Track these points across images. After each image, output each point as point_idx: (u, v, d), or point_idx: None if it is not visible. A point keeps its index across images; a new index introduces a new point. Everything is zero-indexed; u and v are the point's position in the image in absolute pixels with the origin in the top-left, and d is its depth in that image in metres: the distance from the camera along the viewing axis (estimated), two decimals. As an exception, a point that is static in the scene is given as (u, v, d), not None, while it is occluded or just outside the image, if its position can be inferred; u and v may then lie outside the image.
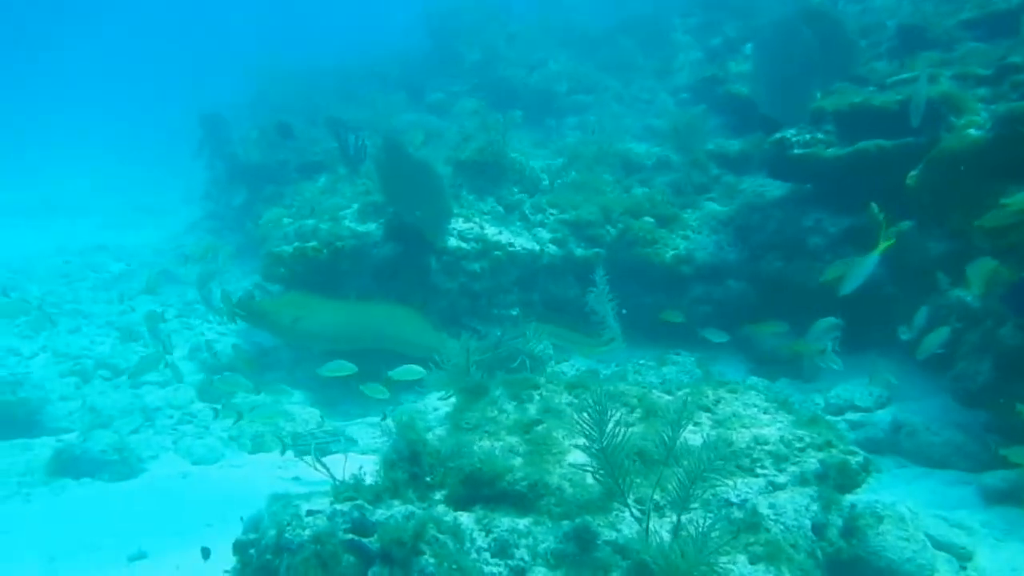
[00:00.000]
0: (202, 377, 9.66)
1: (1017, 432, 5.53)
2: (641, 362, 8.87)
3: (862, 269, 5.94)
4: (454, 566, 3.55)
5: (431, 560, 3.58)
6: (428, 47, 18.80)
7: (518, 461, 4.27)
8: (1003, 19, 9.11)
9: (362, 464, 4.43)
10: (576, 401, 4.93)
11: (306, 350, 9.74)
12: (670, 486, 3.81)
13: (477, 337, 6.20)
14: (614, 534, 3.79)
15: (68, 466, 7.64)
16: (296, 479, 7.28)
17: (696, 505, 3.85)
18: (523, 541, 3.77)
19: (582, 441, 3.88)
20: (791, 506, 4.06)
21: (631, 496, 3.86)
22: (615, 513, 3.91)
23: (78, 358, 9.97)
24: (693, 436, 4.55)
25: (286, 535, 3.89)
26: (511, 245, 9.46)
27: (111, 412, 8.82)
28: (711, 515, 3.84)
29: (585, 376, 7.72)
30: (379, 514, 3.92)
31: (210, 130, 18.18)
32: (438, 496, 4.15)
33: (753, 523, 3.93)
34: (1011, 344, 6.03)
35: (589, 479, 3.99)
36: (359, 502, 3.98)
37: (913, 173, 6.96)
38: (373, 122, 12.85)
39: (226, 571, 4.28)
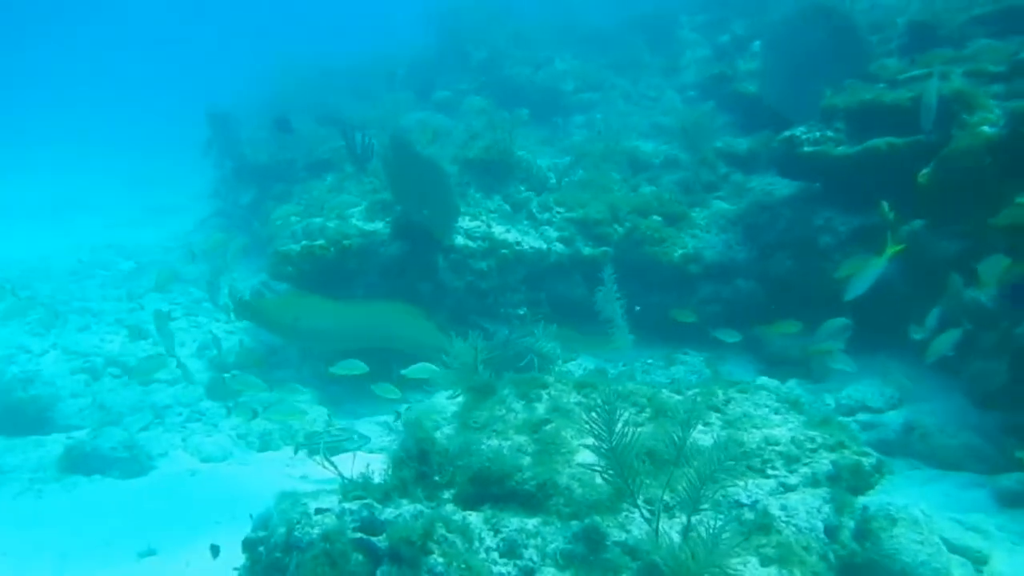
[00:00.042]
0: (211, 375, 9.68)
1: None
2: (649, 361, 8.85)
3: (869, 274, 5.90)
4: (463, 566, 3.54)
5: (440, 559, 3.56)
6: (435, 46, 18.77)
7: (527, 460, 4.25)
8: (1016, 15, 9.01)
9: (370, 462, 4.42)
10: (585, 401, 4.89)
11: (311, 349, 9.76)
12: (680, 487, 3.77)
13: (485, 336, 6.17)
14: (624, 535, 3.77)
15: (79, 463, 7.69)
16: (304, 477, 7.29)
17: (706, 506, 3.81)
18: (532, 541, 3.74)
19: (591, 441, 3.85)
20: (803, 508, 4.02)
21: (641, 496, 3.83)
22: (624, 514, 3.88)
23: (88, 356, 10.00)
24: (703, 436, 4.52)
25: (295, 533, 3.89)
26: (518, 244, 9.44)
27: (121, 409, 8.86)
28: (722, 516, 3.81)
29: (594, 375, 7.71)
30: (388, 513, 3.91)
31: (218, 129, 18.20)
32: (446, 495, 4.13)
33: (764, 525, 3.89)
34: (1029, 344, 5.98)
35: (598, 479, 3.97)
36: (368, 501, 3.97)
37: (925, 171, 6.90)
38: (380, 120, 12.83)
39: (235, 568, 4.28)
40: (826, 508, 4.06)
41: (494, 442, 4.47)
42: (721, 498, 4.03)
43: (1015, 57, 7.69)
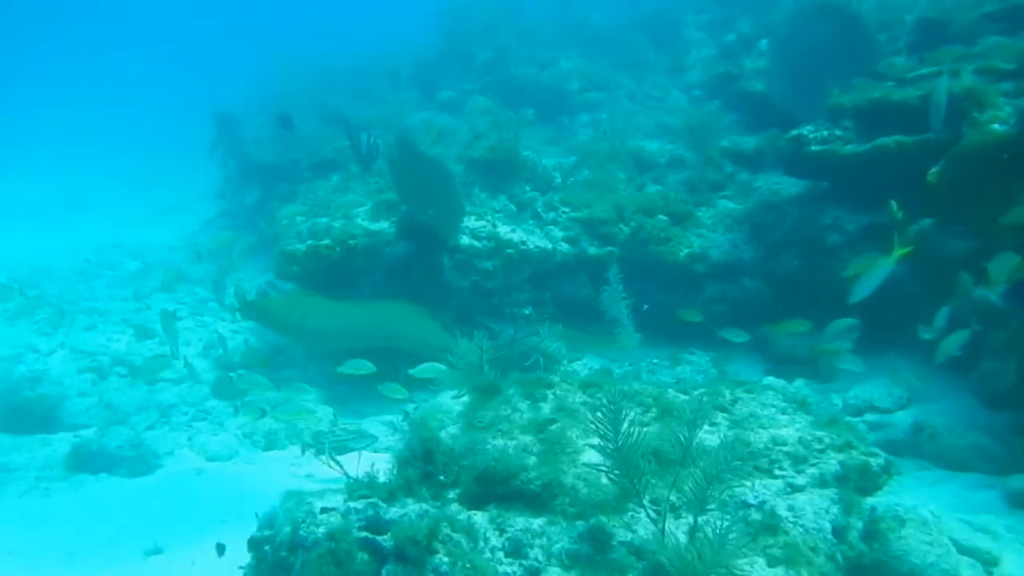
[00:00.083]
0: (217, 374, 9.70)
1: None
2: (655, 361, 8.83)
3: (875, 276, 5.87)
4: (468, 565, 3.52)
5: (445, 559, 3.55)
6: (440, 46, 18.76)
7: (532, 460, 4.23)
8: (1027, 12, 8.98)
9: (375, 462, 4.41)
10: (590, 400, 4.88)
11: (316, 349, 9.76)
12: (686, 487, 3.75)
13: (490, 335, 6.16)
14: (629, 535, 3.75)
15: (86, 461, 7.70)
16: (309, 476, 7.29)
17: (713, 506, 3.79)
18: (537, 541, 3.73)
19: (596, 441, 3.83)
20: (810, 508, 4.00)
21: (647, 496, 3.81)
22: (630, 514, 3.86)
23: (95, 355, 10.02)
24: (710, 436, 4.50)
25: (300, 532, 3.88)
26: (523, 243, 9.43)
27: (127, 408, 8.88)
28: (728, 517, 3.79)
29: (599, 375, 7.69)
30: (393, 512, 3.89)
31: (223, 129, 18.23)
32: (451, 495, 4.12)
33: (771, 525, 3.87)
34: (1038, 344, 5.94)
35: (604, 479, 3.95)
36: (373, 500, 3.96)
37: (934, 170, 6.86)
38: (385, 120, 12.83)
39: (241, 567, 4.28)
40: (834, 509, 4.04)
41: (499, 442, 4.45)
42: (728, 498, 4.00)
43: (1026, 55, 7.65)
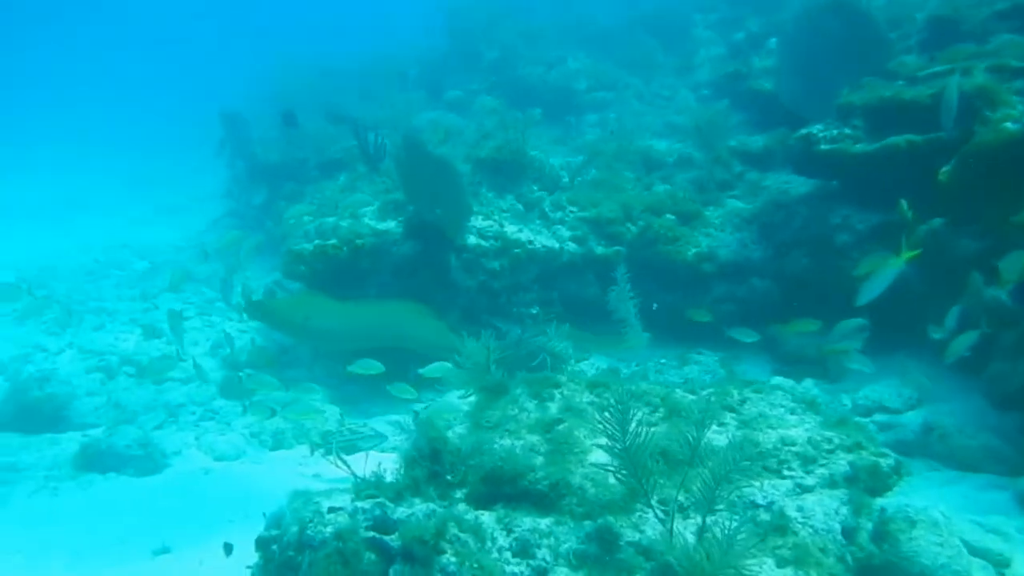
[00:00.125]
0: (224, 374, 9.71)
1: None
2: (662, 361, 8.80)
3: (882, 278, 5.83)
4: (475, 565, 3.51)
5: (452, 559, 3.53)
6: (446, 46, 18.78)
7: (539, 460, 4.22)
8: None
9: (382, 461, 4.40)
10: (598, 400, 4.86)
11: (322, 349, 9.76)
12: (695, 487, 3.73)
13: (497, 335, 6.15)
14: (637, 535, 3.73)
15: (94, 461, 7.72)
16: (317, 476, 7.29)
17: (721, 507, 3.77)
18: (545, 541, 3.71)
19: (604, 440, 3.82)
20: (820, 509, 3.97)
21: (655, 497, 3.79)
22: (638, 514, 3.84)
23: (103, 354, 10.05)
24: (718, 436, 4.48)
25: (308, 532, 3.87)
26: (531, 243, 9.42)
27: (135, 408, 8.91)
28: (737, 517, 3.76)
29: (607, 375, 7.67)
30: (400, 512, 3.88)
31: (231, 129, 18.26)
32: (459, 494, 4.10)
33: (780, 526, 3.85)
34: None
35: (611, 479, 3.93)
36: (380, 500, 3.95)
37: (945, 169, 6.81)
38: (392, 120, 12.83)
39: (248, 567, 4.27)
40: (843, 509, 4.01)
41: (506, 441, 4.44)
42: (736, 499, 3.98)
43: (1039, 53, 7.59)
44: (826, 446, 4.44)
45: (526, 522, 3.79)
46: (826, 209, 8.89)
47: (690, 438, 3.85)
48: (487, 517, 3.83)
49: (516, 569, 3.59)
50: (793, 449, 4.42)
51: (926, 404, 7.00)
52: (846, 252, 8.42)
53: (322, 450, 7.60)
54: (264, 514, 4.33)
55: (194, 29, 49.77)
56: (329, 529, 3.82)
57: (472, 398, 5.28)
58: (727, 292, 9.24)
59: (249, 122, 18.11)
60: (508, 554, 3.67)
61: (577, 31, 17.91)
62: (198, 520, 6.61)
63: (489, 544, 3.68)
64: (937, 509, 4.23)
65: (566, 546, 3.69)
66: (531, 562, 3.63)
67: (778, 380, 7.05)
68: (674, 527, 3.67)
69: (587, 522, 3.78)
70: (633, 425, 3.66)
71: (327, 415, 8.33)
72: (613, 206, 9.87)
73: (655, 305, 7.93)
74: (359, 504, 3.95)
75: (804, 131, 8.82)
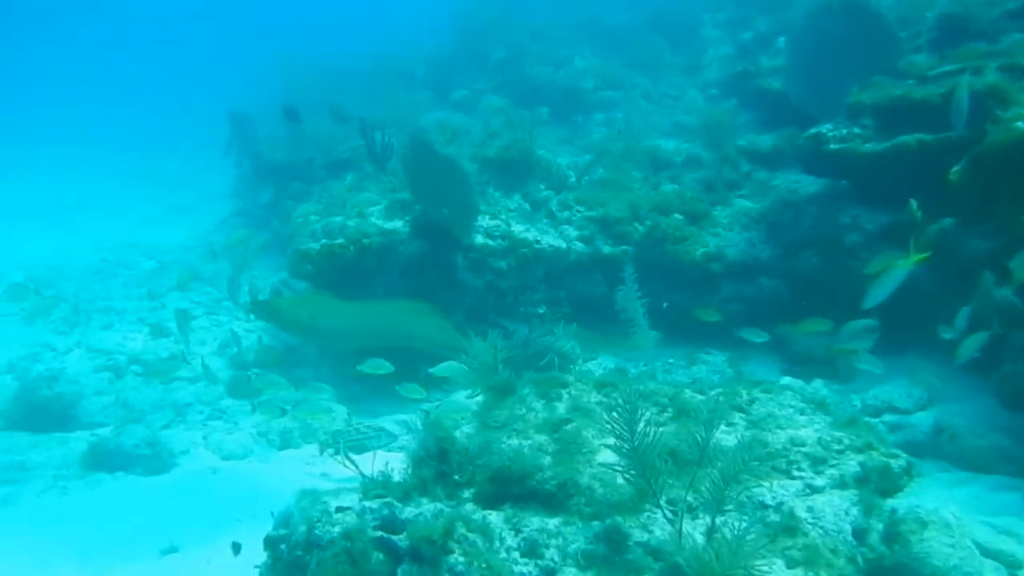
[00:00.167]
0: (232, 373, 9.72)
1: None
2: (670, 361, 8.77)
3: (889, 281, 5.81)
4: (484, 565, 3.50)
5: (460, 559, 3.52)
6: (453, 45, 18.74)
7: (547, 460, 4.21)
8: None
9: (389, 461, 4.39)
10: (606, 400, 4.85)
11: (328, 348, 9.75)
12: (703, 487, 3.71)
13: (504, 335, 6.13)
14: (646, 535, 3.72)
15: (102, 460, 7.75)
16: (324, 475, 7.29)
17: (731, 507, 3.76)
18: (553, 541, 3.70)
19: (612, 440, 3.80)
20: (830, 509, 3.95)
21: (663, 497, 3.77)
22: (647, 514, 3.83)
23: (111, 354, 10.07)
24: (727, 436, 4.46)
25: (316, 531, 3.87)
26: (538, 242, 9.40)
27: (143, 407, 8.94)
28: (746, 518, 3.74)
29: (615, 375, 7.65)
30: (408, 512, 3.88)
31: (238, 128, 18.28)
32: (466, 494, 4.09)
33: (790, 526, 3.83)
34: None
35: (619, 479, 3.92)
36: (388, 499, 3.95)
37: (956, 168, 6.76)
38: (399, 120, 12.82)
39: (256, 566, 4.27)
40: (854, 510, 3.99)
41: (514, 441, 4.43)
42: (746, 499, 3.96)
43: (1051, 52, 7.54)
44: (836, 447, 4.41)
45: (534, 522, 3.78)
46: (835, 209, 8.85)
47: (699, 438, 3.84)
48: (495, 517, 3.82)
49: (524, 569, 3.58)
50: (803, 449, 4.39)
51: (936, 404, 6.96)
52: (855, 252, 8.38)
53: (331, 449, 7.60)
54: (272, 513, 4.33)
55: (200, 28, 49.85)
56: (337, 529, 3.82)
57: (479, 398, 5.27)
58: (735, 292, 9.21)
59: (256, 121, 18.13)
60: (516, 554, 3.65)
61: (584, 30, 17.87)
62: (206, 519, 6.63)
63: (497, 544, 3.67)
64: (948, 510, 4.20)
65: (574, 546, 3.67)
66: (539, 562, 3.61)
67: (787, 380, 7.02)
68: (683, 527, 3.66)
69: (595, 522, 3.76)
70: (641, 425, 3.65)
71: (336, 414, 8.33)
72: (620, 205, 9.84)
73: (666, 304, 7.89)
74: (367, 504, 3.94)
75: (813, 130, 8.78)
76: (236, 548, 5.20)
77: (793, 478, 4.22)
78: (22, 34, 50.08)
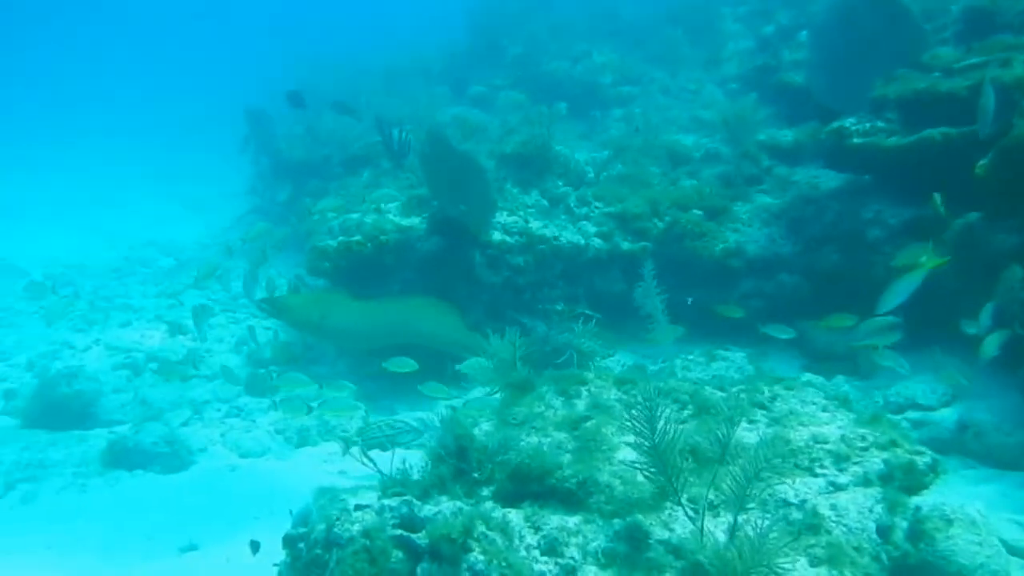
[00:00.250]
0: (249, 371, 9.74)
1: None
2: (689, 358, 8.68)
3: (905, 286, 5.75)
4: (504, 563, 3.46)
5: (480, 557, 3.49)
6: (469, 42, 18.72)
7: (567, 458, 4.17)
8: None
9: (406, 458, 4.37)
10: (625, 397, 4.80)
11: (339, 347, 9.73)
12: (725, 485, 3.66)
13: (522, 331, 6.09)
14: (667, 533, 3.67)
15: (121, 458, 7.79)
16: (342, 473, 7.29)
17: (752, 505, 3.70)
18: (573, 539, 3.67)
19: (632, 438, 3.76)
20: (854, 507, 3.89)
21: (684, 495, 3.72)
22: (667, 512, 3.78)
23: (129, 351, 10.12)
24: (748, 434, 4.42)
25: (335, 530, 3.85)
26: (556, 239, 9.37)
27: (161, 405, 8.97)
28: (769, 515, 3.70)
29: (634, 372, 7.59)
30: (427, 510, 3.85)
31: (255, 126, 18.36)
32: (485, 492, 4.07)
33: (813, 524, 3.78)
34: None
35: (640, 477, 3.87)
36: (407, 497, 3.92)
37: (983, 162, 6.66)
38: (416, 116, 12.81)
39: (275, 564, 4.26)
40: (878, 508, 3.92)
41: (533, 439, 4.40)
42: (768, 497, 3.91)
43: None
44: (860, 444, 4.35)
45: (554, 520, 3.74)
46: (858, 204, 8.74)
47: (720, 435, 3.79)
48: (515, 515, 3.78)
49: (544, 568, 3.55)
50: (826, 447, 4.34)
51: (961, 401, 6.86)
52: (878, 247, 8.28)
53: (357, 447, 7.55)
54: (290, 511, 4.33)
55: (215, 27, 50.13)
56: (356, 527, 3.80)
57: (498, 395, 5.24)
58: (755, 288, 9.13)
59: (273, 119, 18.19)
60: (536, 552, 3.62)
61: (602, 25, 17.78)
62: (224, 517, 6.64)
63: (517, 542, 3.64)
64: (974, 507, 4.13)
65: (595, 544, 3.64)
66: (560, 560, 3.58)
67: (808, 377, 6.95)
68: (704, 525, 3.61)
69: (616, 520, 3.73)
70: (662, 422, 3.60)
71: (361, 412, 8.30)
72: (639, 201, 9.78)
73: (690, 300, 7.83)
74: (386, 502, 3.92)
75: (836, 124, 8.69)
76: (255, 547, 5.19)
77: (816, 475, 4.16)
78: (42, 33, 50.59)
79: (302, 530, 4.12)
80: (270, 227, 11.50)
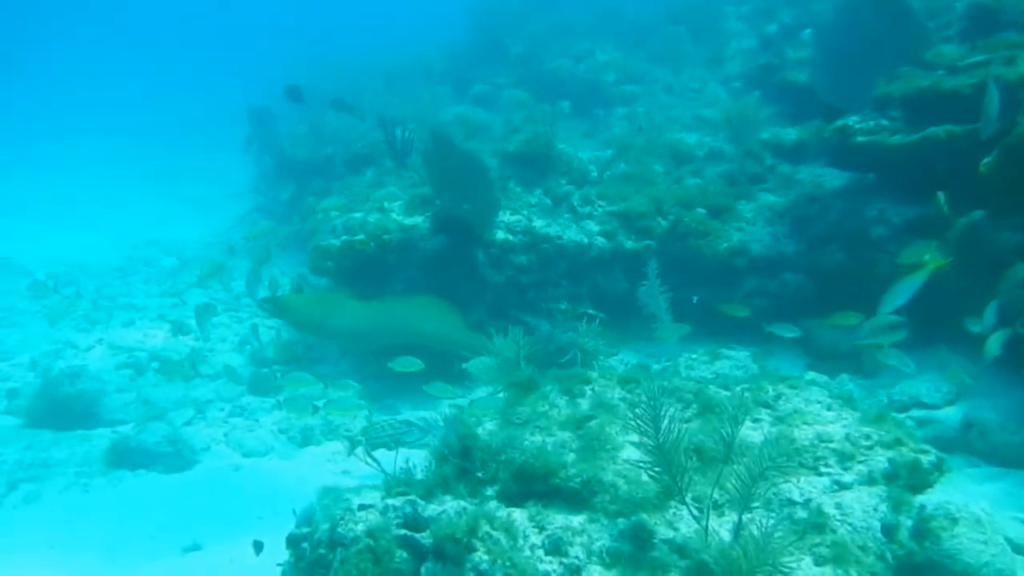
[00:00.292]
0: (252, 370, 9.74)
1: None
2: (693, 357, 8.66)
3: (906, 287, 5.74)
4: (508, 563, 3.46)
5: (485, 557, 3.48)
6: (472, 40, 18.70)
7: (571, 457, 4.17)
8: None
9: (409, 458, 4.36)
10: (629, 396, 4.79)
11: (339, 347, 9.72)
12: (729, 484, 3.65)
13: (526, 331, 6.09)
14: (672, 533, 3.67)
15: (124, 457, 7.79)
16: (346, 472, 7.28)
17: (757, 504, 3.70)
18: (578, 539, 3.66)
19: (636, 437, 3.75)
20: (859, 506, 3.88)
21: (689, 494, 3.72)
22: (672, 511, 3.78)
23: (132, 351, 10.12)
24: (753, 433, 4.41)
25: (339, 529, 3.84)
26: (559, 238, 9.35)
27: (164, 404, 8.96)
28: (773, 514, 3.69)
29: (638, 371, 7.58)
30: (431, 509, 3.85)
31: (258, 125, 18.36)
32: (489, 492, 4.06)
33: (818, 523, 3.77)
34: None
35: (644, 476, 3.86)
36: (411, 497, 3.92)
37: (987, 160, 6.64)
38: (419, 115, 12.80)
39: (279, 564, 4.26)
40: (883, 507, 3.92)
41: (537, 438, 4.39)
42: (772, 496, 3.91)
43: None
44: (864, 442, 4.34)
45: (558, 520, 3.74)
46: (861, 202, 8.73)
47: (724, 434, 3.78)
48: (519, 515, 3.78)
49: (549, 567, 3.54)
50: (830, 446, 4.33)
51: (966, 399, 6.84)
52: (882, 246, 8.26)
53: (363, 446, 7.54)
54: (294, 511, 4.33)
55: (217, 25, 50.12)
56: (360, 527, 3.79)
57: (502, 394, 5.23)
58: (759, 286, 9.12)
59: (276, 118, 18.20)
60: (541, 552, 3.61)
61: (605, 24, 17.75)
62: (228, 517, 6.64)
63: (521, 542, 3.63)
64: (979, 506, 4.12)
65: (599, 544, 3.63)
66: (564, 560, 3.57)
67: (812, 375, 6.93)
68: (709, 525, 3.60)
69: (620, 520, 3.72)
70: (666, 422, 3.60)
71: (367, 412, 8.29)
72: (643, 200, 9.76)
73: (696, 298, 7.82)
74: (390, 501, 3.92)
75: (840, 123, 8.67)
76: (258, 547, 5.19)
77: (821, 474, 4.16)
78: (43, 33, 50.63)
79: (306, 530, 4.12)
80: (274, 225, 11.49)
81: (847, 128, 8.52)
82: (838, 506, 3.89)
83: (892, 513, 3.91)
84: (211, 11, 51.71)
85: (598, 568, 3.54)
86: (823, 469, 4.19)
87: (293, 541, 4.16)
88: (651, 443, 3.64)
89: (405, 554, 3.67)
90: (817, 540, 3.69)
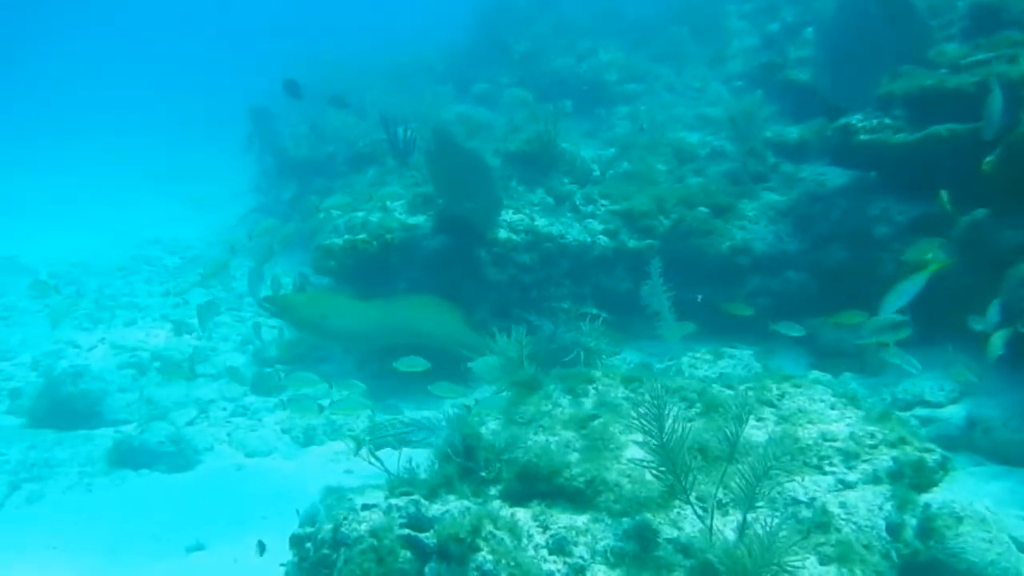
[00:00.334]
0: (255, 370, 9.74)
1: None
2: (696, 356, 8.65)
3: (908, 289, 5.73)
4: (512, 563, 3.45)
5: (489, 557, 3.48)
6: (474, 39, 18.69)
7: (574, 456, 4.17)
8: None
9: (412, 457, 4.36)
10: (633, 395, 4.79)
11: (340, 347, 9.71)
12: (733, 483, 3.65)
13: (529, 330, 6.08)
14: (676, 532, 3.67)
15: (127, 457, 7.78)
16: (349, 472, 7.28)
17: (761, 503, 3.69)
18: (582, 539, 3.66)
19: (640, 436, 3.74)
20: (863, 505, 3.88)
21: (693, 493, 3.71)
22: (676, 511, 3.78)
23: (135, 350, 10.13)
24: (757, 432, 4.41)
25: (343, 529, 3.84)
26: (562, 237, 9.35)
27: (167, 404, 8.95)
28: (778, 514, 3.69)
29: (641, 370, 7.58)
30: (435, 509, 3.84)
31: (259, 124, 18.35)
32: (493, 491, 4.06)
33: (823, 522, 3.77)
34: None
35: (648, 475, 3.86)
36: (415, 497, 3.91)
37: (989, 158, 6.64)
38: (421, 114, 12.79)
39: (282, 564, 4.25)
40: (888, 505, 3.92)
41: (541, 438, 4.39)
42: (777, 495, 3.91)
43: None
44: (869, 441, 4.34)
45: (562, 519, 3.73)
46: (864, 201, 8.72)
47: (728, 433, 3.77)
48: (523, 514, 3.78)
49: (553, 567, 3.54)
50: (835, 444, 4.33)
51: (970, 397, 6.83)
52: (885, 244, 8.25)
53: (369, 445, 7.53)
54: (297, 511, 4.32)
55: (219, 24, 50.12)
56: (364, 526, 3.79)
57: (505, 394, 5.23)
58: (762, 285, 9.11)
59: (277, 117, 18.19)
60: (545, 552, 3.61)
61: (607, 23, 17.73)
62: (231, 517, 6.64)
63: (525, 542, 3.63)
64: (983, 504, 4.11)
65: (603, 543, 3.63)
66: (568, 560, 3.57)
67: (816, 374, 6.92)
68: (714, 524, 3.60)
69: (624, 519, 3.72)
70: (670, 421, 3.59)
71: (371, 412, 8.28)
72: (645, 199, 9.75)
73: (700, 296, 7.80)
74: (393, 501, 3.92)
75: (843, 121, 8.67)
76: (261, 547, 5.18)
77: (825, 473, 4.16)
78: (44, 33, 50.64)
79: (309, 530, 4.11)
80: (277, 223, 11.46)
81: (850, 127, 8.52)
82: (843, 505, 3.89)
83: (897, 512, 3.92)
84: (211, 11, 51.71)
85: (602, 568, 3.53)
86: (827, 468, 4.20)
87: (296, 541, 4.15)
88: (655, 442, 3.63)
89: (409, 554, 3.66)
90: (822, 539, 3.69)
